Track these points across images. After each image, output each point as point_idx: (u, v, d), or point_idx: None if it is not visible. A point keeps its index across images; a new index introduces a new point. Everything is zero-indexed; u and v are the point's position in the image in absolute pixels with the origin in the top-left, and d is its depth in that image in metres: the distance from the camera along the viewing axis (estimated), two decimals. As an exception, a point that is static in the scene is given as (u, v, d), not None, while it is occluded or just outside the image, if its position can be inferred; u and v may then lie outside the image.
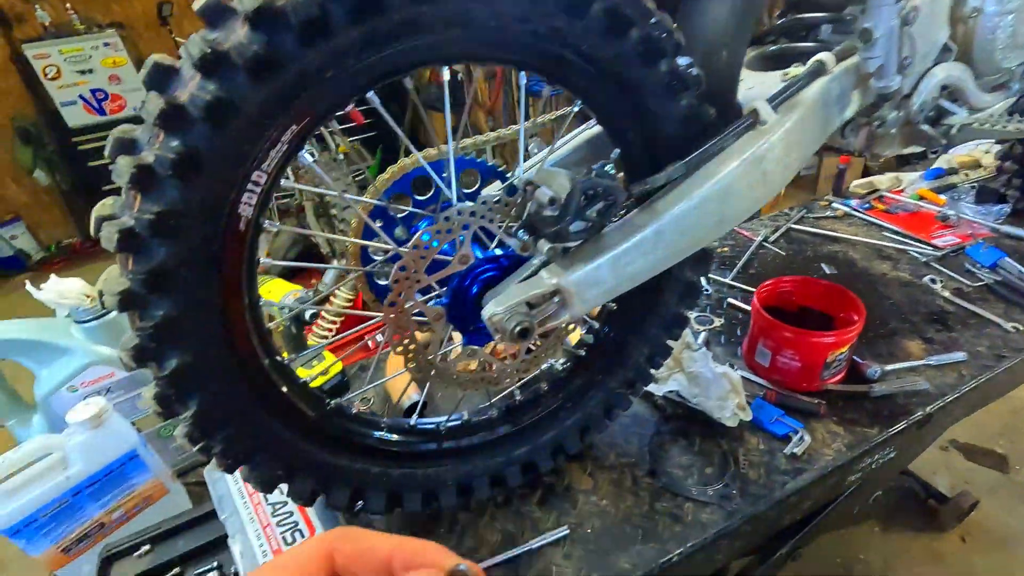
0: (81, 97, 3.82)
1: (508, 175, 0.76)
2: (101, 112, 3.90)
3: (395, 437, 0.80)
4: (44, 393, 0.81)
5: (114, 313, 0.93)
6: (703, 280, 0.84)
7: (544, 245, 0.59)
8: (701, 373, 0.98)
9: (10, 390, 0.84)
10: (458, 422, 0.86)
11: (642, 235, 0.60)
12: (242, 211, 0.53)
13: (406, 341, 0.63)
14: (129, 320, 0.53)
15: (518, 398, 0.90)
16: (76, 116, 3.84)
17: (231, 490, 0.83)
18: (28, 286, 0.82)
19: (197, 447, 0.61)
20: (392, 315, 0.60)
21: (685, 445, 0.97)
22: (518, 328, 0.59)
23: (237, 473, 0.86)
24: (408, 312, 0.61)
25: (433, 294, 0.65)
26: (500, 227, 0.61)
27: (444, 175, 0.74)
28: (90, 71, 3.78)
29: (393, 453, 0.79)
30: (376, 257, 0.75)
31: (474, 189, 0.76)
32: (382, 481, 0.77)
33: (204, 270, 0.53)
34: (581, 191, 0.55)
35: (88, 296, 0.83)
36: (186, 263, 0.51)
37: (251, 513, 0.80)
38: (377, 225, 0.70)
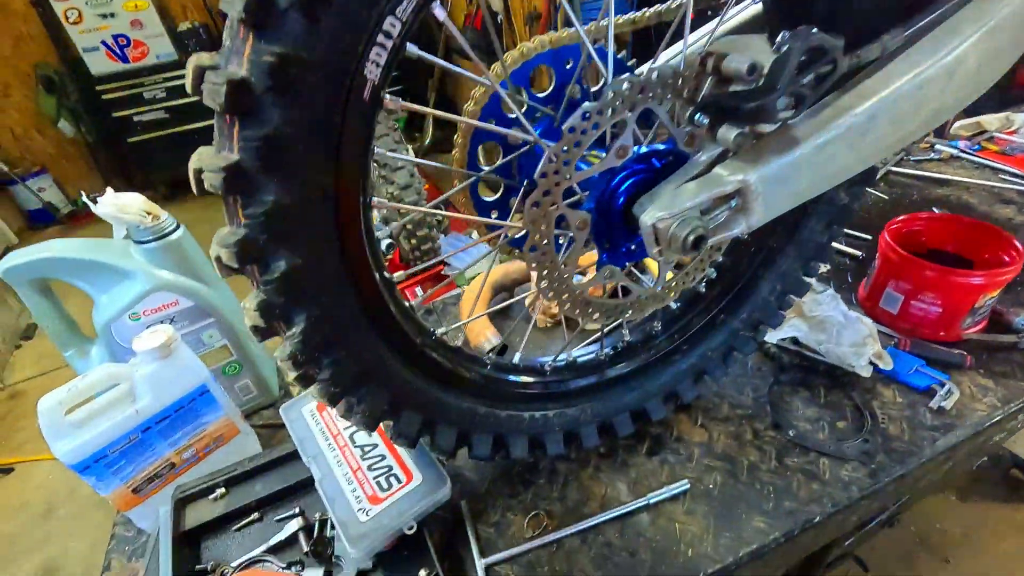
0: (103, 43, 3.69)
1: (637, 69, 0.63)
2: (124, 59, 3.77)
3: (499, 375, 0.70)
4: (104, 320, 0.72)
5: (178, 233, 0.84)
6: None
7: (729, 132, 0.47)
8: (830, 317, 0.86)
9: (67, 317, 0.76)
10: (563, 362, 0.77)
11: (850, 121, 0.48)
12: (368, 72, 0.42)
13: (543, 251, 0.52)
14: (229, 210, 0.43)
15: (627, 339, 0.80)
16: (99, 63, 3.72)
17: (313, 431, 0.75)
18: (84, 197, 0.72)
19: (298, 372, 0.51)
20: (534, 220, 0.49)
21: (808, 397, 0.86)
22: (692, 236, 0.47)
23: (316, 412, 0.79)
24: (550, 217, 0.50)
25: (574, 198, 0.54)
26: (667, 110, 0.49)
27: (567, 67, 0.62)
28: (112, 15, 3.63)
29: (499, 392, 0.69)
30: (485, 167, 0.64)
31: (599, 86, 0.64)
32: (489, 423, 0.68)
33: (323, 147, 0.42)
34: (800, 51, 0.42)
35: (149, 214, 0.73)
36: (304, 135, 0.41)
37: (337, 456, 0.72)
38: (492, 124, 0.59)
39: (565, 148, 0.47)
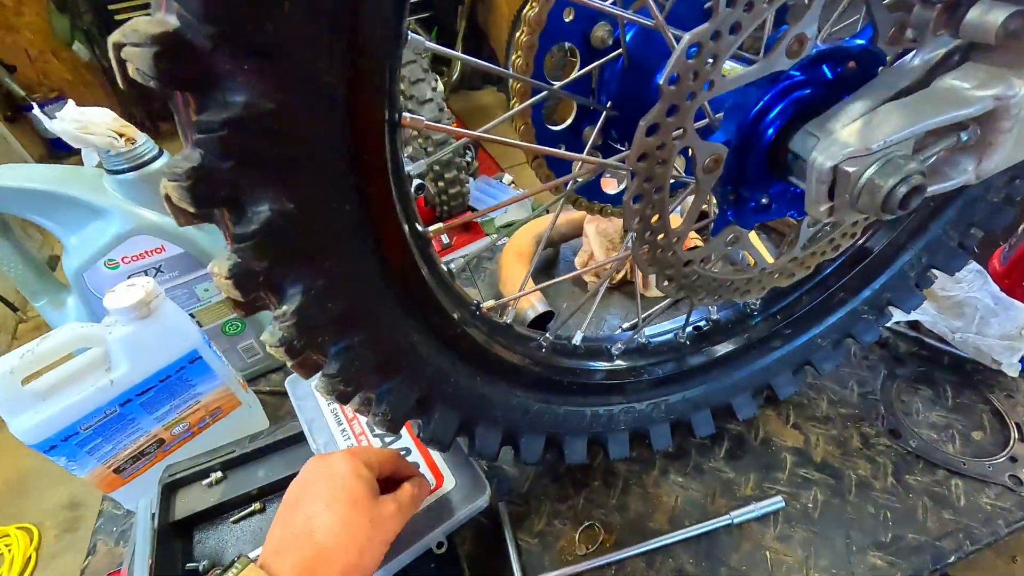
0: (113, -42, 3.43)
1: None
2: (135, -24, 3.51)
3: (556, 360, 0.55)
4: (75, 268, 0.59)
5: (160, 162, 0.69)
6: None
7: (995, 11, 0.28)
8: (971, 300, 0.68)
9: (36, 260, 0.62)
10: (635, 344, 0.61)
11: None
12: None
13: (653, 202, 0.35)
14: (179, 120, 0.27)
15: (714, 317, 0.63)
16: (109, -21, 3.48)
17: (324, 412, 0.63)
18: (36, 111, 0.56)
19: (296, 361, 0.37)
20: (645, 152, 0.32)
21: (931, 397, 0.69)
22: (903, 187, 0.30)
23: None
24: (671, 150, 0.32)
25: (702, 122, 0.36)
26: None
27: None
28: (121, -75, 3.35)
29: (555, 383, 0.54)
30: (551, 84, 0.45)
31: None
32: (541, 421, 0.54)
33: (327, 21, 0.25)
34: None
35: (121, 135, 0.58)
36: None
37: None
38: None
39: (713, 34, 0.29)
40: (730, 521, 0.59)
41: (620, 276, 0.93)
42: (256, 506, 0.63)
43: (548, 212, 0.99)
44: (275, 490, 0.64)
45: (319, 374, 0.40)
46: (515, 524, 0.62)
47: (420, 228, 0.40)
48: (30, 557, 1.66)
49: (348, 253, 0.34)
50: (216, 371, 0.66)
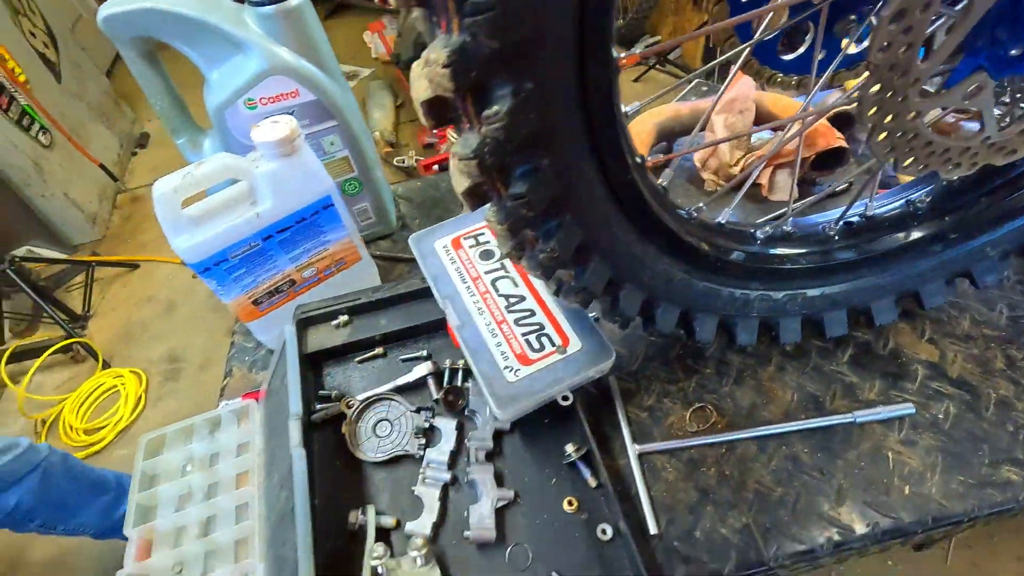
0: None
1: None
2: None
3: (701, 234, 0.53)
4: (217, 103, 0.59)
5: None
6: None
7: None
8: None
9: (179, 98, 0.64)
10: (781, 232, 0.57)
11: None
12: None
13: (906, 44, 0.30)
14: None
15: (871, 212, 0.58)
16: None
17: (447, 268, 0.64)
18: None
19: (514, 240, 0.36)
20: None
21: (1095, 328, 0.63)
22: None
23: (451, 248, 0.66)
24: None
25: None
26: None
27: None
28: None
29: (697, 255, 0.52)
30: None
31: None
32: (680, 293, 0.52)
33: None
34: None
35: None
36: None
37: (478, 302, 0.61)
38: None
39: None
40: (852, 420, 0.58)
41: (738, 177, 0.86)
42: (379, 350, 0.67)
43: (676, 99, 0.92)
44: (396, 339, 0.68)
45: (492, 203, 0.39)
46: (625, 398, 0.63)
47: (613, 53, 0.36)
48: (140, 397, 1.88)
49: (558, 62, 0.32)
50: (345, 221, 0.68)
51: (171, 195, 0.54)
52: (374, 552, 0.48)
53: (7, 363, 1.84)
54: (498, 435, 0.59)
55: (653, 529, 0.53)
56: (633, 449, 0.58)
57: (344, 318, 0.67)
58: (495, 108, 0.31)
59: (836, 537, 0.52)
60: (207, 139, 0.72)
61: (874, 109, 0.34)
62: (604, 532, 0.52)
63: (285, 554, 0.48)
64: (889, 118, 0.35)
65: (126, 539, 1.48)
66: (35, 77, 2.33)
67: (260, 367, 0.74)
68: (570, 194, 0.39)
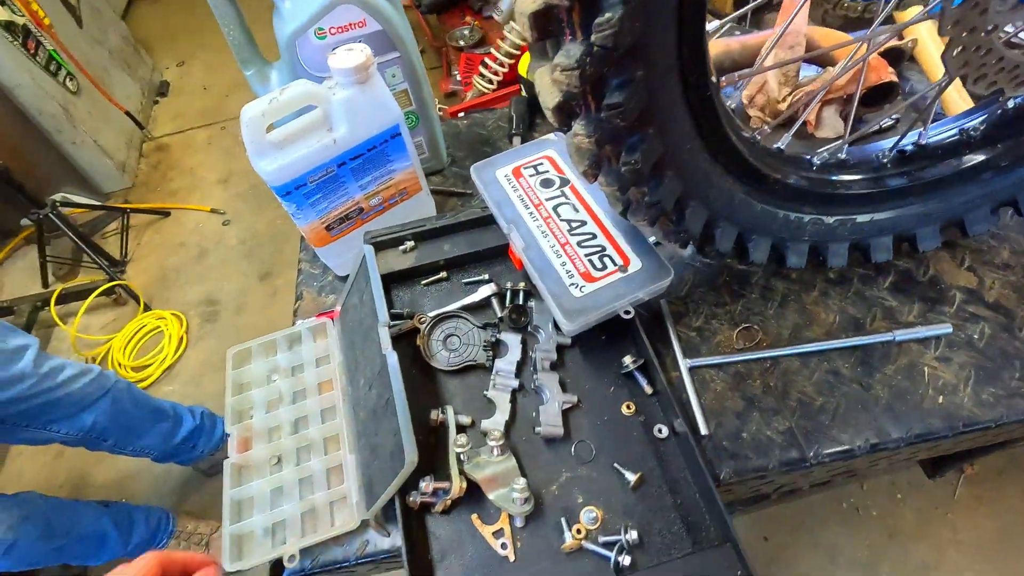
0: None
1: None
2: None
3: (762, 157, 0.56)
4: (289, 32, 0.61)
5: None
6: None
7: None
8: None
9: (249, 31, 0.65)
10: (836, 159, 0.60)
11: None
12: None
13: None
14: None
15: (925, 141, 0.60)
16: None
17: (510, 195, 0.67)
18: None
19: (593, 154, 0.39)
20: None
21: None
22: None
23: (512, 177, 0.69)
24: None
25: None
26: None
27: None
28: None
29: (757, 177, 0.55)
30: None
31: None
32: (740, 214, 0.56)
33: None
34: None
35: None
36: None
37: (541, 226, 0.64)
38: None
39: None
40: (892, 338, 0.62)
41: (785, 115, 0.88)
42: (442, 274, 0.72)
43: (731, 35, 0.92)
44: (458, 264, 0.72)
45: (581, 118, 0.42)
46: (675, 319, 0.67)
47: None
48: (182, 338, 1.97)
49: (662, 49, 0.34)
50: (409, 152, 0.71)
51: (259, 119, 0.58)
52: (457, 441, 0.54)
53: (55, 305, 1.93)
54: (560, 349, 0.64)
55: (704, 430, 0.59)
56: (684, 363, 0.63)
57: (410, 244, 0.71)
58: (607, 15, 0.34)
59: (873, 439, 0.57)
60: (274, 71, 0.74)
61: (955, 21, 0.36)
62: (660, 431, 0.57)
63: (379, 442, 0.54)
64: (967, 32, 0.37)
65: (182, 464, 1.58)
66: (58, 22, 2.32)
67: (328, 291, 0.79)
68: (656, 108, 0.42)
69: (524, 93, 0.96)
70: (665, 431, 0.57)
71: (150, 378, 1.86)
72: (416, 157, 0.73)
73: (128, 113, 2.55)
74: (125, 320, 2.04)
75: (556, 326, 0.64)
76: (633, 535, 0.51)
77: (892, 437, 0.57)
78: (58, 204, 1.97)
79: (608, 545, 0.51)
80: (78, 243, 1.96)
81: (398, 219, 0.76)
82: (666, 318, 0.67)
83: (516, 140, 0.89)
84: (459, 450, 0.54)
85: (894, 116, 0.82)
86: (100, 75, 2.49)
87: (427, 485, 0.51)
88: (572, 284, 0.59)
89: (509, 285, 0.69)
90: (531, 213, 0.66)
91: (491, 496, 0.53)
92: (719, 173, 0.51)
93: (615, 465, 0.56)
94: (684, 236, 0.55)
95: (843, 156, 0.60)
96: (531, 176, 0.69)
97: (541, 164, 0.70)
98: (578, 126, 0.43)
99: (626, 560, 0.50)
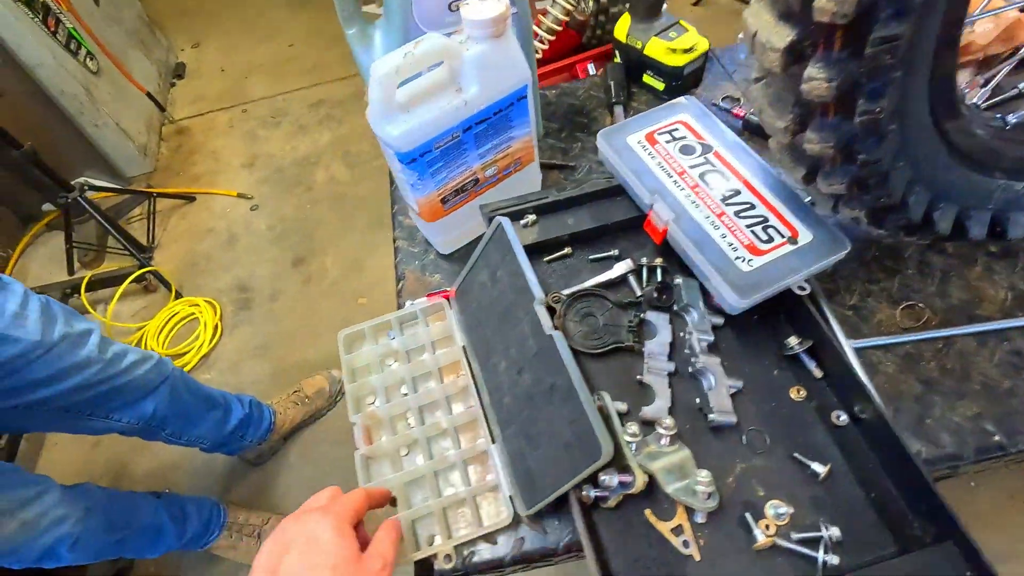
0: None
1: None
2: None
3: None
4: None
5: None
6: None
7: None
8: None
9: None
10: (1029, 118, 0.54)
11: None
12: None
13: None
14: None
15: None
16: None
17: (648, 163, 0.61)
18: None
19: (842, 75, 0.33)
20: None
21: None
22: None
23: (647, 143, 0.63)
24: None
25: None
26: None
27: None
28: None
29: (965, 135, 0.50)
30: None
31: None
32: (941, 182, 0.50)
33: None
34: None
35: None
36: None
37: (690, 196, 0.58)
38: None
39: None
40: (1079, 316, 0.57)
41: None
42: (567, 251, 0.66)
43: None
44: (583, 239, 0.66)
45: (816, 60, 0.37)
46: (827, 297, 0.62)
47: None
48: (216, 326, 1.91)
49: None
50: (530, 117, 0.65)
51: (392, 76, 0.52)
52: (628, 430, 0.49)
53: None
54: (714, 329, 0.58)
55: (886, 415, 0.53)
56: (848, 344, 0.58)
57: (532, 217, 0.66)
58: (885, 34, 0.28)
59: (1073, 425, 0.52)
60: (377, 30, 0.68)
61: None
62: (838, 418, 0.52)
63: (540, 431, 0.49)
64: None
65: (229, 454, 1.53)
66: (76, -1, 2.23)
67: (431, 270, 0.73)
68: (915, 49, 0.36)
69: (619, 59, 0.90)
70: (844, 417, 0.52)
71: (187, 366, 1.81)
72: (535, 123, 0.67)
73: (149, 94, 2.47)
74: (155, 308, 1.98)
75: (707, 305, 0.59)
76: (835, 531, 0.46)
77: (1095, 423, 0.52)
78: (86, 187, 1.90)
79: (805, 543, 0.46)
80: (108, 228, 1.90)
81: (508, 193, 0.71)
82: (819, 297, 0.61)
83: (618, 109, 0.83)
84: (630, 439, 0.49)
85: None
86: (118, 55, 2.40)
87: (609, 479, 0.46)
88: (738, 258, 0.54)
89: (645, 261, 0.63)
90: (675, 182, 0.60)
91: (669, 490, 0.48)
92: (932, 131, 0.46)
93: (796, 455, 0.51)
94: (881, 203, 0.50)
95: (1036, 115, 0.54)
96: (668, 142, 0.63)
97: (676, 129, 0.65)
98: (814, 69, 0.37)
99: (834, 559, 0.45)
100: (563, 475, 0.45)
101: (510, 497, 0.51)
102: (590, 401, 0.44)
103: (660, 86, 0.84)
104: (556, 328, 0.50)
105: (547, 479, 0.47)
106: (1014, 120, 0.53)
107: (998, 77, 0.65)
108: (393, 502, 0.52)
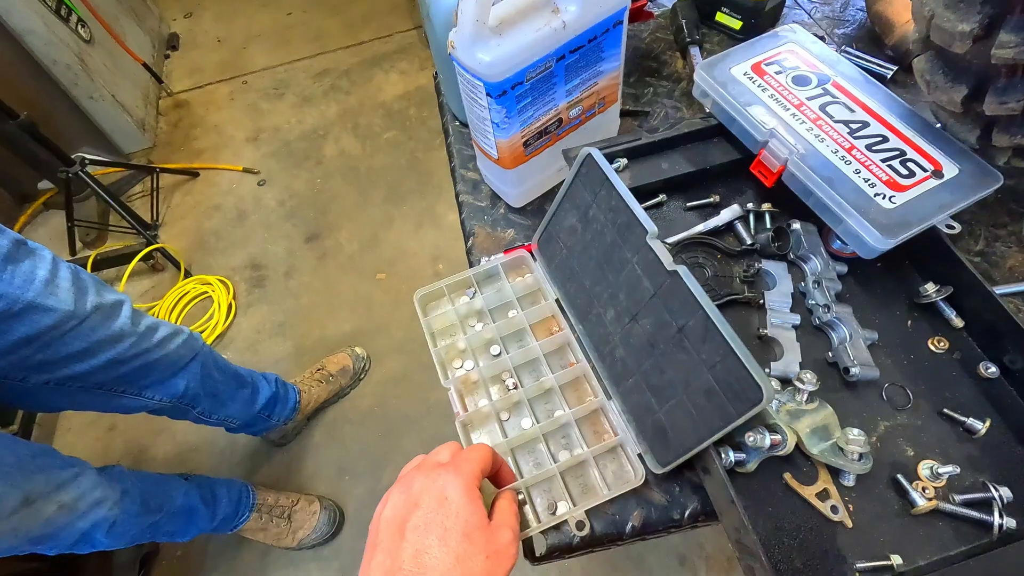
0: None
1: None
2: None
3: None
4: None
5: None
6: None
7: None
8: None
9: None
10: None
11: None
12: None
13: None
14: None
15: None
16: None
17: (760, 97, 0.54)
18: None
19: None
20: None
21: None
22: None
23: (755, 75, 0.57)
24: None
25: None
26: None
27: None
28: None
29: None
30: None
31: None
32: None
33: None
34: None
35: None
36: None
37: (813, 130, 0.52)
38: None
39: None
40: None
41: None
42: (661, 197, 0.60)
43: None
44: (679, 185, 0.61)
45: None
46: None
47: None
48: (231, 304, 1.84)
49: None
50: (621, 49, 0.58)
51: (487, -9, 0.45)
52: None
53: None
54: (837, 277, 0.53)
55: (1040, 367, 0.49)
56: (994, 290, 0.53)
57: (623, 161, 0.60)
58: None
59: None
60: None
61: None
62: (987, 369, 0.47)
63: (667, 381, 0.44)
64: None
65: (254, 435, 1.48)
66: (63, -41, 2.09)
67: (503, 225, 0.67)
68: None
69: (687, -3, 0.83)
70: (994, 369, 0.47)
71: (203, 346, 1.74)
72: (624, 56, 0.61)
73: (146, 65, 2.35)
74: (164, 287, 1.91)
75: (828, 251, 0.53)
76: (1006, 491, 0.41)
77: None
78: (86, 162, 1.81)
79: (972, 505, 0.42)
80: (112, 203, 1.81)
81: (588, 138, 0.65)
82: (946, 240, 0.56)
83: (694, 49, 0.76)
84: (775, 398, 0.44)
85: None
86: (111, 23, 2.28)
87: (760, 438, 0.41)
88: (878, 195, 0.48)
89: (751, 207, 0.58)
90: (794, 115, 0.54)
91: (815, 451, 0.43)
92: None
93: (946, 411, 0.46)
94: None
95: None
96: (778, 73, 0.57)
97: (785, 59, 0.58)
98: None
99: (1011, 522, 0.40)
100: (707, 426, 0.40)
101: (639, 455, 0.46)
102: (735, 338, 0.39)
103: (736, 24, 0.78)
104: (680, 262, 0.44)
105: (684, 433, 0.42)
106: None
107: None
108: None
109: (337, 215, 2.05)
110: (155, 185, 2.09)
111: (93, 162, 1.88)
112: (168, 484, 1.08)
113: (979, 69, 0.41)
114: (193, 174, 2.22)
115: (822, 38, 0.77)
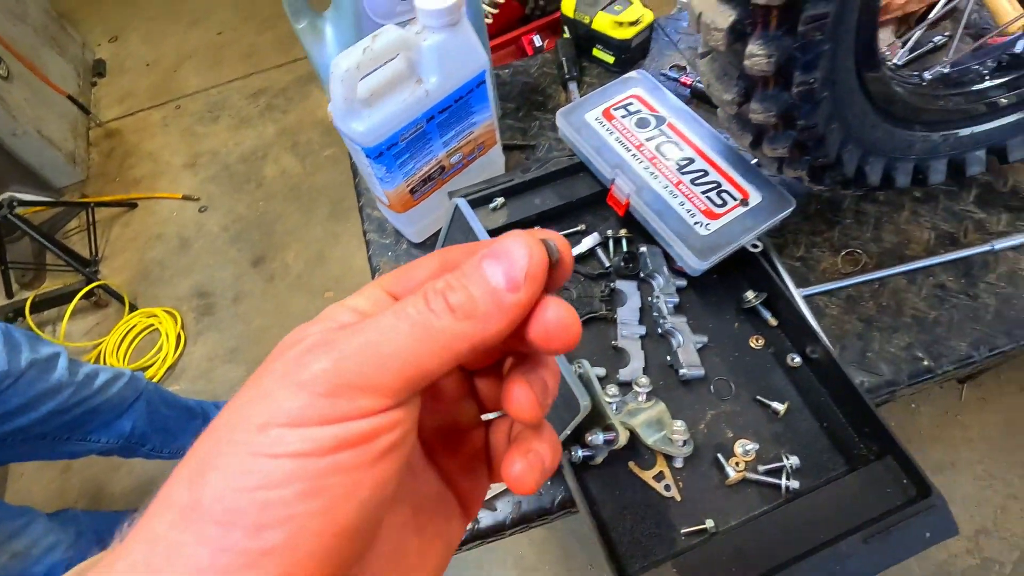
0: None
1: None
2: None
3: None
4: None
5: None
6: None
7: None
8: None
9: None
10: (940, 75, 0.60)
11: None
12: None
13: None
14: None
15: (1018, 51, 0.61)
16: None
17: (606, 139, 0.64)
18: None
19: (779, 51, 0.37)
20: None
21: None
22: None
23: (604, 120, 0.66)
24: None
25: None
26: None
27: None
28: None
29: (885, 95, 0.55)
30: None
31: None
32: (866, 134, 0.55)
33: None
34: None
35: None
36: None
37: (648, 168, 0.62)
38: None
39: None
40: (991, 248, 0.64)
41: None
42: (536, 229, 0.69)
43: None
44: (551, 217, 0.69)
45: (757, 38, 0.40)
46: (777, 251, 0.67)
47: None
48: (179, 335, 1.86)
49: None
50: (489, 101, 0.66)
51: (354, 72, 0.52)
52: (608, 392, 0.54)
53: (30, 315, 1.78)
54: (679, 292, 0.63)
55: (833, 354, 0.60)
56: (797, 293, 0.64)
57: (500, 200, 0.68)
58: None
59: (990, 345, 0.59)
60: (327, 23, 0.67)
61: None
62: (792, 360, 0.58)
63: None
64: None
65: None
66: (-29, -5, 2.04)
67: (404, 259, 0.75)
68: (840, 24, 0.40)
69: (567, 34, 0.92)
70: (798, 359, 0.58)
71: (153, 379, 1.76)
72: (495, 106, 0.69)
73: (71, 97, 2.31)
74: (109, 323, 1.90)
75: (671, 269, 0.63)
76: (794, 460, 0.52)
77: (1006, 341, 0.59)
78: (14, 203, 1.78)
79: (770, 473, 0.52)
80: (45, 244, 1.80)
81: (474, 178, 0.73)
82: (770, 251, 0.67)
83: (572, 85, 0.85)
84: (611, 399, 0.53)
85: (946, 34, 0.83)
86: (29, 57, 2.22)
87: (595, 438, 0.50)
88: (697, 223, 0.58)
89: (610, 233, 0.67)
90: (634, 155, 0.63)
91: (649, 442, 0.53)
92: (860, 94, 0.50)
93: (757, 398, 0.57)
94: (820, 162, 0.54)
95: (946, 71, 0.60)
96: (623, 117, 0.66)
97: (631, 104, 0.68)
98: (754, 46, 0.41)
99: (794, 483, 0.51)
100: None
101: (507, 465, 0.55)
102: (564, 361, 0.48)
103: (610, 59, 0.87)
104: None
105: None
106: (928, 76, 0.59)
107: (915, 36, 0.70)
108: None
109: (282, 235, 2.08)
110: (91, 220, 2.07)
111: (21, 203, 1.85)
112: (123, 520, 1.12)
113: (754, 124, 0.51)
114: (131, 205, 2.21)
115: (684, 68, 0.87)
